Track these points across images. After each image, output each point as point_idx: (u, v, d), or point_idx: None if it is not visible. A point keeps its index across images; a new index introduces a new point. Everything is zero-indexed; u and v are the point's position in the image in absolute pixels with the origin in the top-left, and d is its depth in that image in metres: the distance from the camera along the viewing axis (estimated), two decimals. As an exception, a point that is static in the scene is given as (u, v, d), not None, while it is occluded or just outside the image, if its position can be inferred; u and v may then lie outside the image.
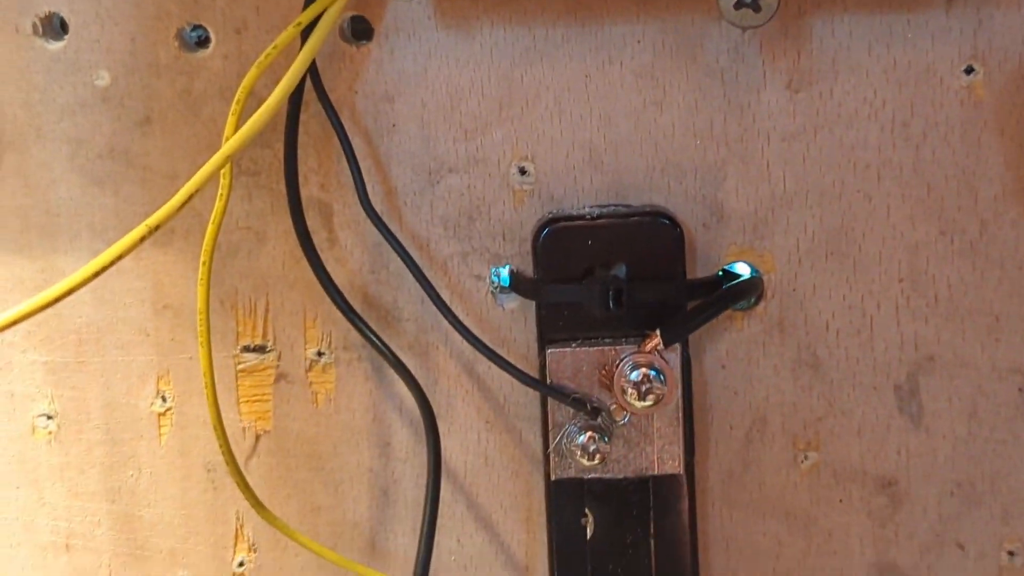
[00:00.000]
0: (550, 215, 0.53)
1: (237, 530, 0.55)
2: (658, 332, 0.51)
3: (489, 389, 0.54)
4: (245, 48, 0.51)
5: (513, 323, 0.54)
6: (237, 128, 0.48)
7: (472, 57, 0.52)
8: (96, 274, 0.43)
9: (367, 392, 0.54)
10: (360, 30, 0.52)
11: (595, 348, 0.52)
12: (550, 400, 0.52)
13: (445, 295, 0.52)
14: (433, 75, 0.52)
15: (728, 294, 0.52)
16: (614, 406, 0.52)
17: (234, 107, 0.48)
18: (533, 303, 0.53)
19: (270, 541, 0.55)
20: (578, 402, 0.52)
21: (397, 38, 0.52)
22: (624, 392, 0.51)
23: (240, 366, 0.54)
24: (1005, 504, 0.54)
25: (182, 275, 0.53)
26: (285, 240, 0.53)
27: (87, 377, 0.54)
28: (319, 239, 0.53)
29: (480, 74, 0.52)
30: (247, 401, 0.54)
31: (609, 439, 0.52)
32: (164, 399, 0.54)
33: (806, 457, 0.54)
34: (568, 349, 0.52)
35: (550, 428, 0.52)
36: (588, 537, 0.53)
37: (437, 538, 0.53)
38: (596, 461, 0.52)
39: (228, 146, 0.46)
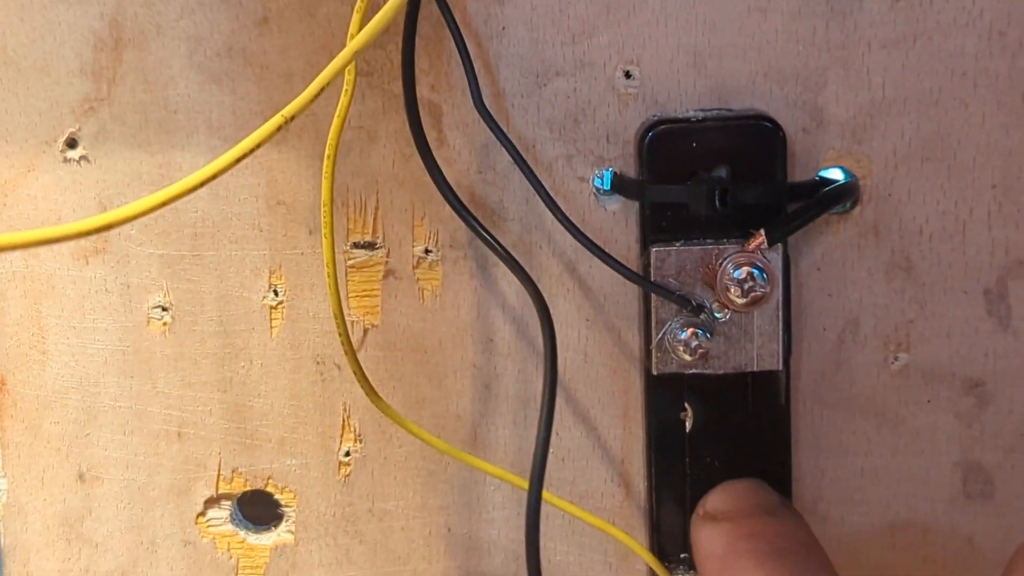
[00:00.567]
0: (654, 118, 0.54)
1: (344, 421, 0.57)
2: (762, 231, 0.52)
3: (590, 288, 0.56)
4: (362, -51, 0.52)
5: (615, 224, 0.55)
6: (362, 26, 0.49)
7: (583, -40, 0.53)
8: (233, 163, 0.44)
9: (472, 290, 0.56)
10: (474, -67, 0.53)
11: (698, 247, 0.53)
12: (653, 297, 0.54)
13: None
14: (543, -22, 0.53)
15: (827, 197, 0.54)
16: (716, 304, 0.53)
17: (359, 3, 0.50)
18: (635, 206, 0.55)
19: (375, 432, 0.57)
20: (682, 299, 0.53)
21: (510, -59, 0.53)
22: (727, 290, 0.52)
23: (350, 262, 0.56)
24: (1088, 405, 0.56)
25: (296, 172, 0.55)
26: (396, 140, 0.55)
27: (202, 270, 0.56)
28: (429, 139, 0.54)
29: (590, -23, 0.53)
30: (356, 296, 0.56)
31: (711, 336, 0.54)
32: (276, 293, 0.56)
33: (896, 358, 0.56)
34: (672, 248, 0.53)
35: (653, 325, 0.54)
36: (687, 431, 0.55)
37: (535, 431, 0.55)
38: (697, 357, 0.54)
39: (356, 41, 0.47)
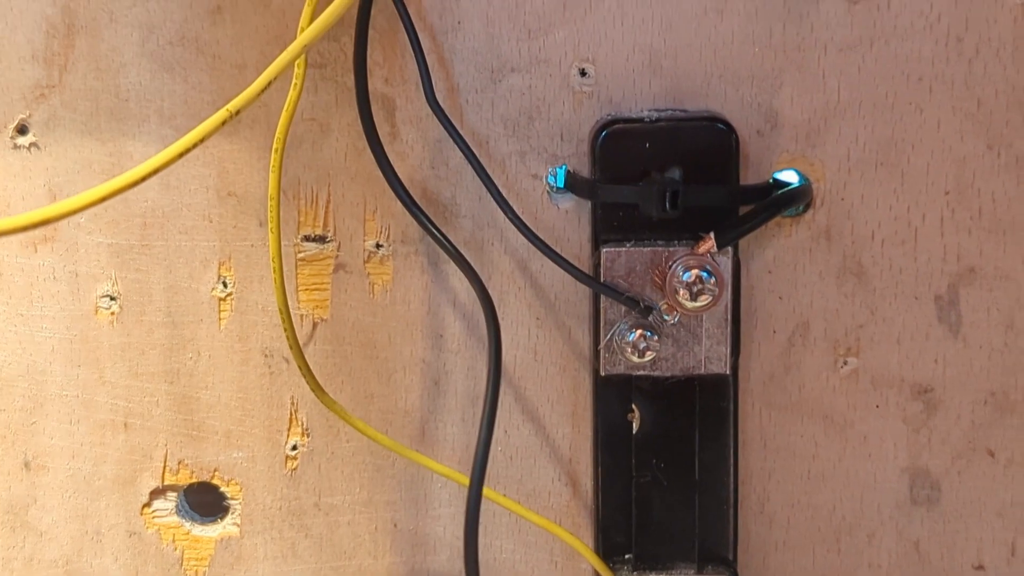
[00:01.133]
0: (609, 117, 0.54)
1: (291, 415, 0.57)
2: (711, 234, 0.52)
3: (541, 287, 0.56)
4: (317, -60, 0.52)
5: (568, 223, 0.55)
6: (313, 18, 0.49)
7: (539, -43, 0.53)
8: (178, 156, 0.44)
9: (423, 285, 0.56)
10: (430, -73, 0.53)
11: (648, 249, 0.53)
12: (602, 298, 0.54)
13: (502, 193, 0.53)
14: (500, -27, 0.53)
15: (779, 200, 0.53)
16: (665, 306, 0.53)
17: (309, -4, 0.49)
18: (587, 205, 0.55)
19: (323, 426, 0.57)
20: (631, 300, 0.53)
21: (466, -64, 0.53)
22: (676, 292, 0.52)
23: (300, 255, 0.56)
24: (1036, 414, 0.56)
25: (247, 164, 0.55)
26: (348, 133, 0.54)
27: (150, 260, 0.55)
28: (382, 133, 0.54)
29: (546, -26, 0.53)
30: (306, 289, 0.56)
31: (659, 338, 0.53)
32: (225, 284, 0.56)
33: (846, 363, 0.56)
34: (622, 248, 0.53)
35: (601, 325, 0.54)
36: (634, 432, 0.55)
37: (484, 430, 0.55)
38: (645, 359, 0.54)
39: (306, 34, 0.47)
